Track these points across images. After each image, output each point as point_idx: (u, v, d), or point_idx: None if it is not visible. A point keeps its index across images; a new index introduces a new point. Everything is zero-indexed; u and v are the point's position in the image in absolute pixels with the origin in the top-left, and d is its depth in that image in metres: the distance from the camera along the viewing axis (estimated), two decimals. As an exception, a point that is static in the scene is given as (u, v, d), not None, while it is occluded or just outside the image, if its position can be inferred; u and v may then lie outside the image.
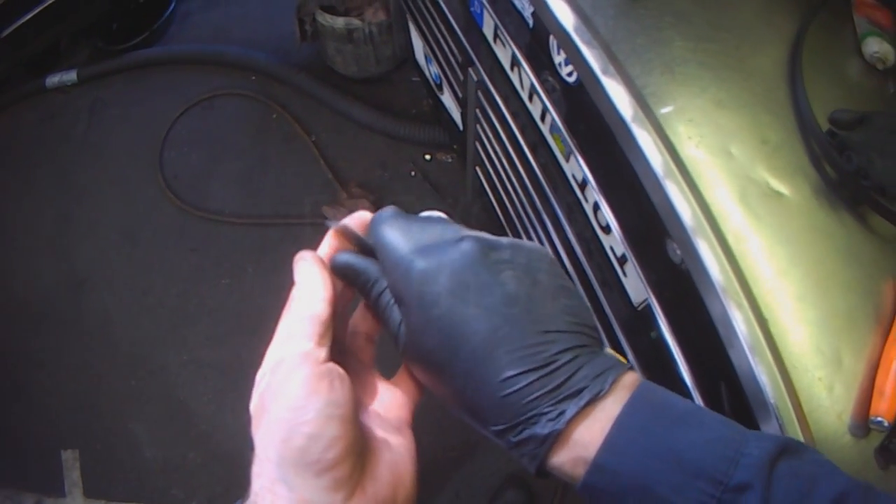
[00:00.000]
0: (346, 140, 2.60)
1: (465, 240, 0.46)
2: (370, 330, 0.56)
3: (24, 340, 2.37)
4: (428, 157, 2.50)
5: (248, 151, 2.65)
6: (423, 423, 1.84)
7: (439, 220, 0.51)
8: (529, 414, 0.42)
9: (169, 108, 2.77)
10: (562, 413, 0.42)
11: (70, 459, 2.17)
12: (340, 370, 0.46)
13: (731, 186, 0.79)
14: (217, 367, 2.22)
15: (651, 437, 0.41)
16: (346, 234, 0.52)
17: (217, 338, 2.27)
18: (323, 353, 0.46)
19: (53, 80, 2.83)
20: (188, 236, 2.49)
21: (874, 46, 0.92)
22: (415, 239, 0.47)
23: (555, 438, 0.42)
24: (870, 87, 0.92)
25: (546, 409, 0.42)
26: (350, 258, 0.51)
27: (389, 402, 0.55)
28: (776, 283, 0.75)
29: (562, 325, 0.44)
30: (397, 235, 0.47)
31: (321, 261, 0.50)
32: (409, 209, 0.50)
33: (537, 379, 0.42)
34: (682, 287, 0.82)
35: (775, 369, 0.70)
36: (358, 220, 0.53)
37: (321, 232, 0.54)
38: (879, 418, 0.69)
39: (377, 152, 2.55)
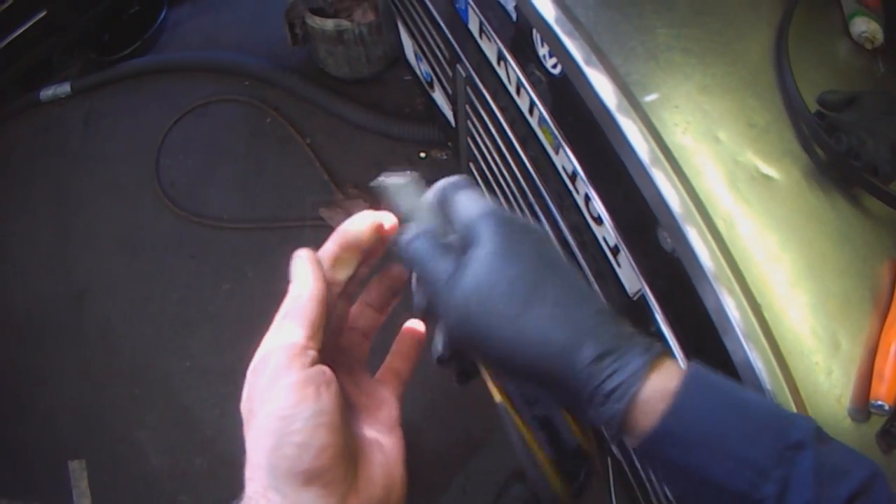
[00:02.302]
0: (341, 141, 2.60)
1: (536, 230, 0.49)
2: (368, 327, 0.56)
3: (27, 353, 2.38)
4: (423, 155, 2.50)
5: (243, 156, 2.65)
6: (428, 420, 1.84)
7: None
8: (624, 344, 0.45)
9: (163, 116, 2.77)
10: (649, 350, 0.45)
11: (77, 470, 2.17)
12: (328, 373, 0.45)
13: (719, 172, 0.78)
14: (220, 372, 2.22)
15: (719, 391, 0.44)
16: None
17: (219, 343, 2.27)
18: (312, 353, 0.46)
19: (47, 93, 2.83)
20: (187, 243, 2.49)
21: (862, 26, 0.91)
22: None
23: (646, 373, 0.44)
24: (858, 67, 0.91)
25: (635, 348, 0.45)
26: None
27: (379, 401, 0.55)
28: (768, 267, 0.74)
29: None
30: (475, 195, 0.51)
31: (316, 260, 0.50)
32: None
33: (617, 326, 0.46)
34: (675, 275, 0.81)
35: (771, 355, 0.70)
36: (361, 220, 0.53)
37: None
38: (880, 402, 0.69)
39: (372, 152, 2.55)
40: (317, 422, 0.43)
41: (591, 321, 0.45)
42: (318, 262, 0.50)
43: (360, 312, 0.57)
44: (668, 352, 0.44)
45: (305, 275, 0.49)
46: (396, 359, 0.58)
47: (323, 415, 0.43)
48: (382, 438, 0.51)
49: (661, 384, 0.43)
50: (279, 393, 0.43)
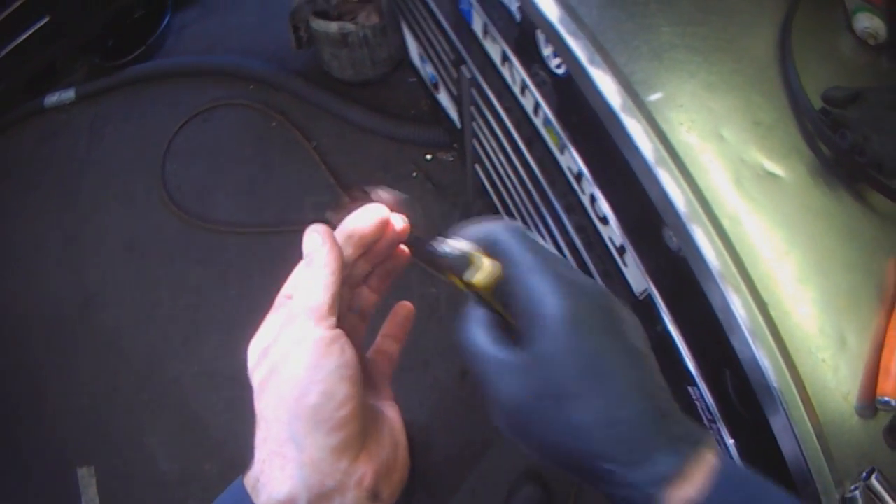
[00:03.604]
0: (347, 144, 2.60)
1: (584, 277, 0.46)
2: (365, 308, 0.57)
3: (35, 359, 2.39)
4: (429, 156, 2.50)
5: (249, 160, 2.65)
6: (437, 422, 1.84)
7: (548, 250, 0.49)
8: (653, 452, 0.42)
9: (169, 121, 2.78)
10: (681, 453, 0.42)
11: (86, 476, 2.18)
12: (346, 337, 0.47)
13: (724, 170, 0.78)
14: (229, 376, 2.22)
15: (746, 488, 0.43)
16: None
17: (227, 348, 2.26)
18: (333, 319, 0.47)
19: (52, 99, 2.85)
20: (194, 248, 2.50)
21: (865, 22, 0.91)
22: (544, 259, 0.46)
23: (675, 475, 0.41)
24: (862, 64, 0.91)
25: (666, 449, 0.42)
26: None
27: (376, 379, 0.57)
28: (775, 265, 0.74)
29: (665, 384, 0.45)
30: (531, 252, 0.46)
31: (331, 233, 0.51)
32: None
33: (662, 422, 0.43)
34: (681, 274, 0.81)
35: (777, 353, 0.70)
36: (368, 216, 0.53)
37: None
38: (886, 398, 0.69)
39: (378, 155, 2.55)
40: (341, 374, 0.45)
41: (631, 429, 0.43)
42: (333, 236, 0.51)
43: (358, 293, 0.57)
44: (701, 456, 0.42)
45: (326, 248, 0.49)
46: (387, 340, 0.60)
47: (347, 368, 0.45)
48: (384, 408, 0.53)
49: (701, 474, 0.42)
50: (306, 347, 0.45)
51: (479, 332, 0.47)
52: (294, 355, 0.45)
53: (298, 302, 0.48)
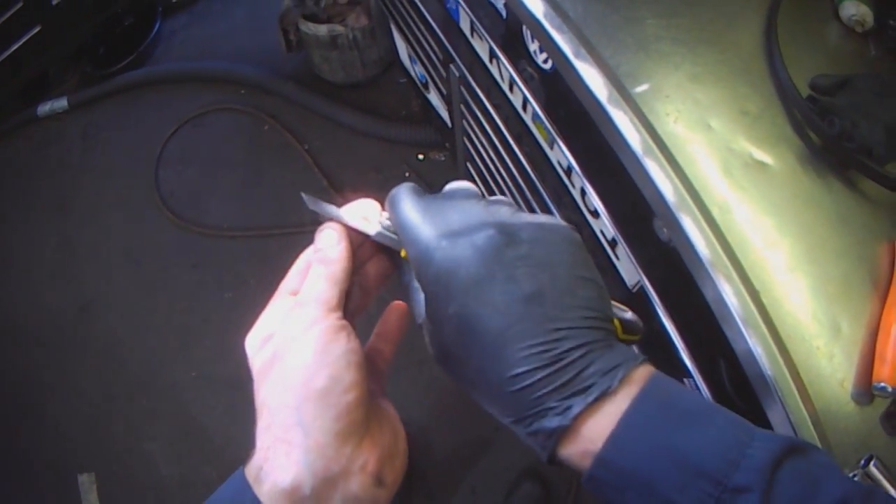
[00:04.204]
0: (339, 146, 2.60)
1: (483, 230, 0.45)
2: (356, 308, 0.57)
3: (33, 367, 2.39)
4: (421, 156, 2.50)
5: (242, 164, 2.65)
6: (436, 421, 1.84)
7: (463, 194, 0.51)
8: (538, 409, 0.43)
9: (161, 127, 2.78)
10: (568, 409, 0.42)
11: (87, 483, 2.17)
12: (351, 328, 0.48)
13: (712, 160, 0.78)
14: (227, 380, 2.22)
15: (655, 434, 0.41)
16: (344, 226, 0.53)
17: (224, 351, 2.26)
18: (339, 313, 0.48)
19: (45, 108, 2.85)
20: (189, 253, 2.50)
21: (851, 9, 0.91)
22: (434, 223, 0.47)
23: (562, 432, 0.43)
24: (849, 51, 0.91)
25: (553, 405, 0.42)
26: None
27: (373, 373, 0.56)
28: (766, 253, 0.74)
29: (575, 322, 0.44)
30: (416, 217, 0.48)
31: (347, 234, 0.51)
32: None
33: (546, 376, 0.42)
34: (673, 265, 0.81)
35: (770, 341, 0.69)
36: (362, 207, 0.54)
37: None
38: (883, 384, 0.68)
39: (370, 156, 2.55)
40: (348, 359, 0.45)
41: (510, 385, 0.43)
42: (347, 234, 0.51)
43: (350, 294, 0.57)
44: (608, 389, 0.42)
45: (337, 243, 0.51)
46: (380, 340, 0.60)
47: (354, 353, 0.46)
48: (381, 402, 0.53)
49: (597, 427, 0.42)
50: (314, 334, 0.46)
51: (412, 286, 0.51)
52: (301, 342, 0.46)
53: (308, 293, 0.49)
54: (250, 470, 0.45)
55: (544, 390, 0.42)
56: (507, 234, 0.45)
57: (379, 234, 0.51)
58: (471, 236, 0.45)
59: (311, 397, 0.44)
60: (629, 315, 0.50)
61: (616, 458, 0.41)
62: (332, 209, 0.53)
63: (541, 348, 0.42)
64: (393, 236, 0.51)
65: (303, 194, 0.54)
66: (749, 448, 0.40)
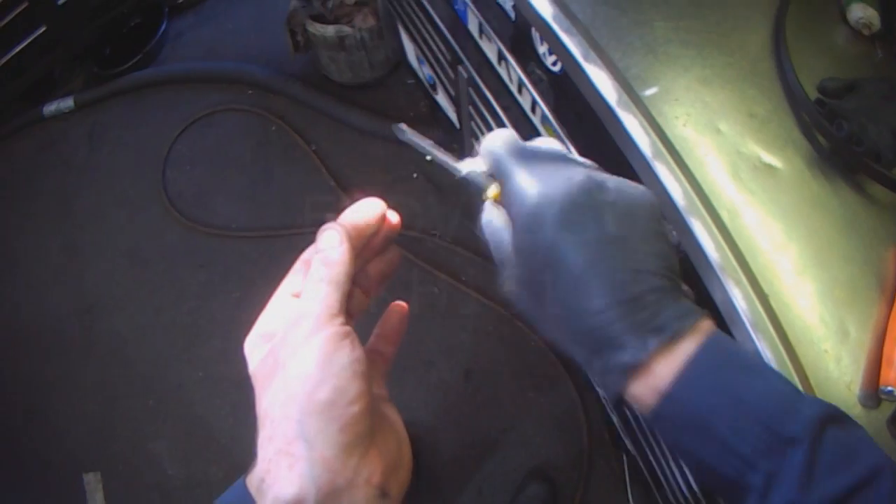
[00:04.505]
0: (347, 147, 2.60)
1: (578, 176, 0.48)
2: (356, 309, 0.57)
3: (40, 367, 2.40)
4: (429, 158, 2.48)
5: (249, 165, 2.66)
6: (442, 422, 1.84)
7: (552, 150, 0.54)
8: (616, 342, 0.45)
9: (168, 127, 2.78)
10: (645, 344, 0.45)
11: (93, 482, 2.18)
12: (355, 334, 0.48)
13: (721, 163, 0.78)
14: (233, 380, 2.22)
15: (719, 378, 0.45)
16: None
17: (231, 352, 2.24)
18: (342, 318, 0.48)
19: (50, 108, 2.85)
20: (195, 253, 2.50)
21: (859, 12, 0.91)
22: (533, 166, 0.50)
23: (636, 367, 0.45)
24: (857, 54, 0.91)
25: (631, 339, 0.45)
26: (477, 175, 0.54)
27: (374, 376, 0.56)
28: (774, 257, 0.74)
29: (652, 267, 0.47)
30: (517, 159, 0.51)
31: (348, 235, 0.51)
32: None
33: (626, 312, 0.45)
34: (681, 269, 0.81)
35: (779, 344, 0.69)
36: (369, 206, 0.54)
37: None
38: (890, 388, 0.68)
39: (378, 157, 2.55)
40: (353, 369, 0.45)
41: (593, 316, 0.46)
42: (348, 235, 0.51)
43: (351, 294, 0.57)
44: (680, 331, 0.45)
45: (340, 248, 0.50)
46: (381, 341, 0.59)
47: (358, 363, 0.45)
48: (384, 407, 0.53)
49: (666, 366, 0.45)
50: (317, 343, 0.45)
51: (494, 224, 0.52)
52: (304, 350, 0.45)
53: (309, 297, 0.48)
54: (252, 481, 0.45)
55: (623, 324, 0.45)
56: (597, 182, 0.48)
57: (469, 173, 0.54)
58: (568, 179, 0.48)
59: (315, 409, 0.43)
60: (685, 287, 0.52)
61: (682, 396, 0.45)
62: (425, 143, 0.57)
63: (622, 286, 0.45)
64: (479, 177, 0.53)
65: (399, 126, 0.56)
66: (800, 404, 0.43)
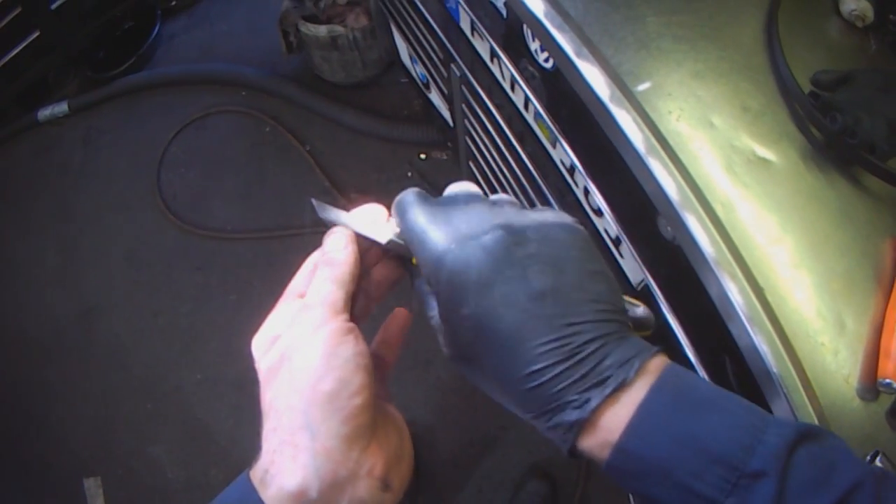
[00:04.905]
0: (341, 147, 2.60)
1: (491, 234, 0.45)
2: (361, 314, 0.57)
3: (38, 372, 2.39)
4: (423, 156, 2.50)
5: (244, 167, 2.65)
6: (441, 420, 1.84)
7: (466, 196, 0.51)
8: (557, 403, 0.43)
9: (162, 130, 2.78)
10: (587, 401, 0.43)
11: (93, 487, 2.18)
12: (359, 330, 0.48)
13: (715, 157, 0.78)
14: (232, 383, 2.22)
15: (672, 422, 0.42)
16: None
17: (229, 354, 2.26)
18: (347, 315, 0.49)
19: (45, 112, 2.84)
20: (192, 256, 2.50)
21: (852, 4, 0.91)
22: (442, 228, 0.47)
23: (581, 425, 0.43)
24: (850, 46, 0.91)
25: (572, 398, 0.43)
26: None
27: (377, 379, 0.56)
28: (770, 250, 0.74)
29: (588, 315, 0.44)
30: (424, 225, 0.48)
31: (354, 238, 0.52)
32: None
33: (563, 370, 0.43)
34: (677, 263, 0.81)
35: (776, 338, 0.69)
36: (369, 213, 0.54)
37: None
38: (888, 380, 0.68)
39: (372, 156, 2.55)
40: (357, 362, 0.45)
41: (528, 382, 0.44)
42: (354, 238, 0.52)
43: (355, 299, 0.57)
44: (626, 380, 0.43)
45: (347, 250, 0.51)
46: (383, 346, 0.59)
47: (362, 356, 0.46)
48: (386, 406, 0.53)
49: (615, 417, 0.43)
50: (322, 336, 0.46)
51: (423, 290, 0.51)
52: (309, 343, 0.46)
53: (314, 295, 0.49)
54: (256, 472, 0.45)
55: (562, 384, 0.43)
56: (514, 233, 0.46)
57: (390, 242, 0.52)
58: (479, 238, 0.45)
59: (319, 400, 0.44)
60: (640, 310, 0.50)
61: (634, 447, 0.42)
62: (342, 216, 0.53)
63: (556, 344, 0.43)
64: (402, 243, 0.51)
65: (312, 201, 0.54)
66: (764, 434, 0.41)
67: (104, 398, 2.31)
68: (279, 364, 0.46)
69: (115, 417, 2.28)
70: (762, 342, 0.69)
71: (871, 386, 0.69)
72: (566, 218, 0.49)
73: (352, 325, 0.48)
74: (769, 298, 0.71)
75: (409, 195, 0.51)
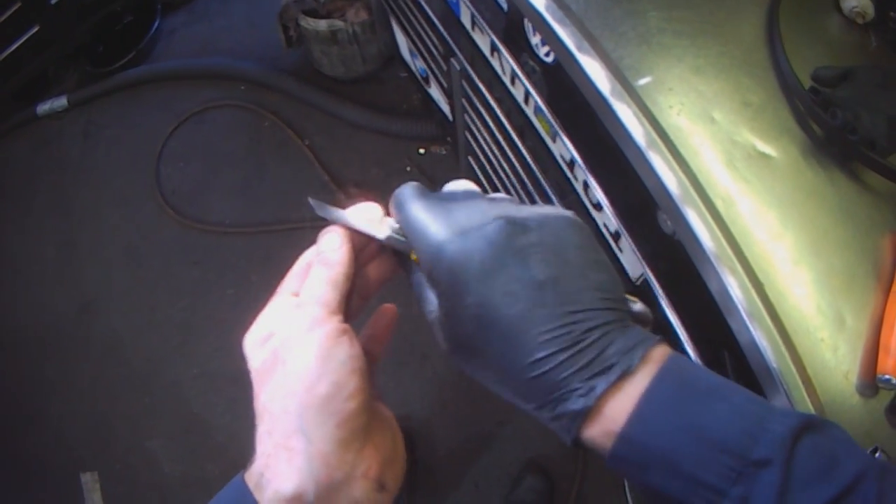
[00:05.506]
0: (340, 141, 2.60)
1: (492, 224, 0.45)
2: (354, 312, 0.57)
3: (36, 366, 2.39)
4: (422, 151, 2.50)
5: (243, 161, 2.65)
6: (438, 416, 1.84)
7: (465, 194, 0.51)
8: (562, 391, 0.43)
9: (162, 124, 2.77)
10: (592, 389, 0.42)
11: (90, 482, 2.18)
12: (353, 332, 0.48)
13: (716, 152, 0.78)
14: (229, 377, 2.22)
15: (676, 410, 0.42)
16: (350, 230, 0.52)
17: (227, 349, 2.26)
18: (340, 317, 0.48)
19: (44, 107, 2.84)
20: (190, 250, 2.50)
21: (853, 1, 0.91)
22: (442, 222, 0.47)
23: (587, 413, 0.43)
24: (851, 43, 0.91)
25: (577, 386, 0.42)
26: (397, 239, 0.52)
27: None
28: (770, 246, 0.74)
29: (591, 304, 0.44)
30: (424, 218, 0.48)
31: (349, 237, 0.51)
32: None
33: (567, 358, 0.42)
34: (677, 258, 0.81)
35: (775, 333, 0.69)
36: (366, 210, 0.53)
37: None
38: (887, 376, 0.68)
39: (372, 151, 2.55)
40: (352, 365, 0.45)
41: (532, 370, 0.43)
42: (349, 237, 0.51)
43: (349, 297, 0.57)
44: (629, 368, 0.43)
45: (341, 249, 0.51)
46: (370, 342, 0.59)
47: (356, 359, 0.46)
48: (377, 405, 0.52)
49: (619, 406, 0.43)
50: (316, 339, 0.45)
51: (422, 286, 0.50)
52: (303, 345, 0.45)
53: (309, 295, 0.48)
54: (251, 476, 0.45)
55: (566, 372, 0.42)
56: (515, 223, 0.46)
57: (389, 237, 0.51)
58: (481, 229, 0.45)
59: (314, 404, 0.43)
60: (638, 306, 0.50)
61: (638, 435, 0.42)
62: (339, 214, 0.53)
63: (560, 332, 0.43)
64: (402, 239, 0.51)
65: (310, 200, 0.54)
66: (768, 422, 0.41)
67: (101, 392, 2.31)
68: (272, 364, 0.46)
69: (113, 412, 2.28)
70: (762, 337, 0.69)
71: (871, 382, 0.69)
72: (565, 211, 0.49)
73: (346, 326, 0.47)
74: (769, 294, 0.71)
75: (407, 189, 0.51)
